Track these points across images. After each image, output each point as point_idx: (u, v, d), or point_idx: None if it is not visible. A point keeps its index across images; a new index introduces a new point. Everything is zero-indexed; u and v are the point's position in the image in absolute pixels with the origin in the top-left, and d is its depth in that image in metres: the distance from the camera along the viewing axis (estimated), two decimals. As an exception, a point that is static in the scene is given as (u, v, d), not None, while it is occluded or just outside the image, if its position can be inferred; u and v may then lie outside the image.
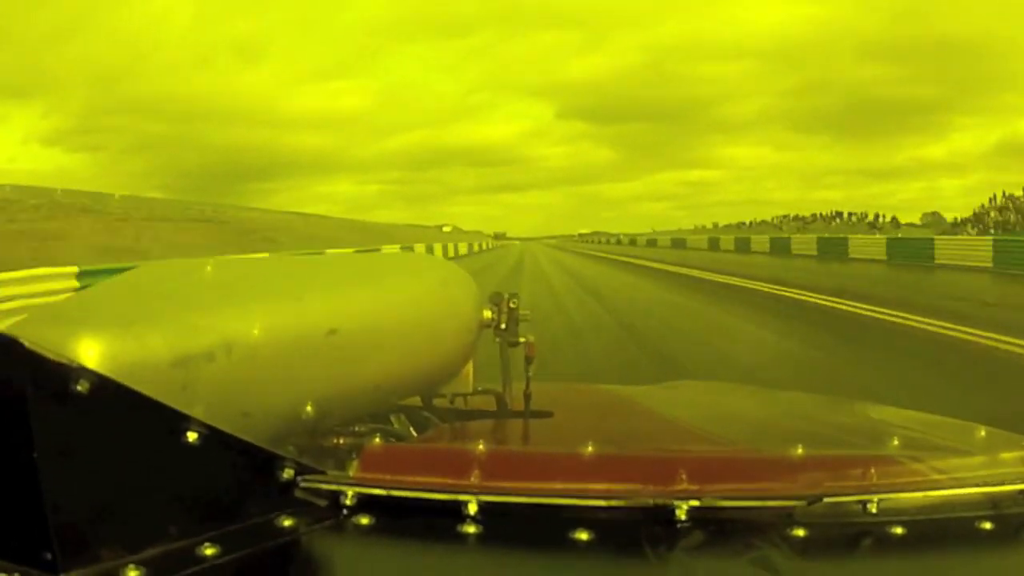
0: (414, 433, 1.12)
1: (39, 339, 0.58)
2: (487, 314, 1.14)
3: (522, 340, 1.20)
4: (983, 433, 1.02)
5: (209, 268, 0.98)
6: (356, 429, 1.02)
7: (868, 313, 9.18)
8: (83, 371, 0.57)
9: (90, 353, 0.70)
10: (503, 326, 1.18)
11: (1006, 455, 0.85)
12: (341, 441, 0.98)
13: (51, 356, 0.56)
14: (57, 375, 0.56)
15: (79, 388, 0.57)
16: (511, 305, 1.18)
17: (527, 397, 1.19)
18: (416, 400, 1.16)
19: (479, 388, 1.22)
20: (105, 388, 0.58)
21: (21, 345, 0.54)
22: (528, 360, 1.22)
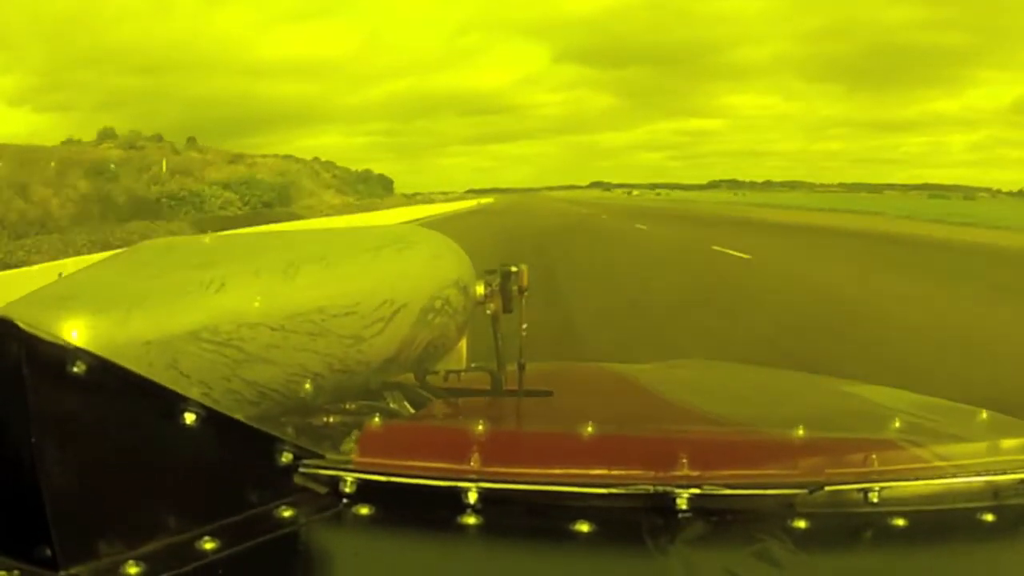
0: (410, 409, 1.11)
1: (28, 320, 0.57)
2: (480, 290, 1.12)
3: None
4: (984, 417, 1.02)
5: (202, 244, 0.96)
6: (348, 407, 1.01)
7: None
8: (80, 352, 0.57)
9: (75, 335, 0.69)
10: (497, 302, 1.16)
11: (1007, 442, 0.85)
12: (333, 419, 0.97)
13: (48, 337, 0.55)
14: (54, 356, 0.55)
15: (76, 369, 0.56)
16: (510, 272, 1.16)
17: (521, 368, 1.18)
18: (410, 377, 1.14)
19: (472, 365, 1.21)
20: (102, 369, 0.57)
21: (16, 326, 0.54)
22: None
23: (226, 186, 31.37)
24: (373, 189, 52.21)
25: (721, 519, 0.69)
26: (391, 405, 1.10)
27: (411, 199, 54.31)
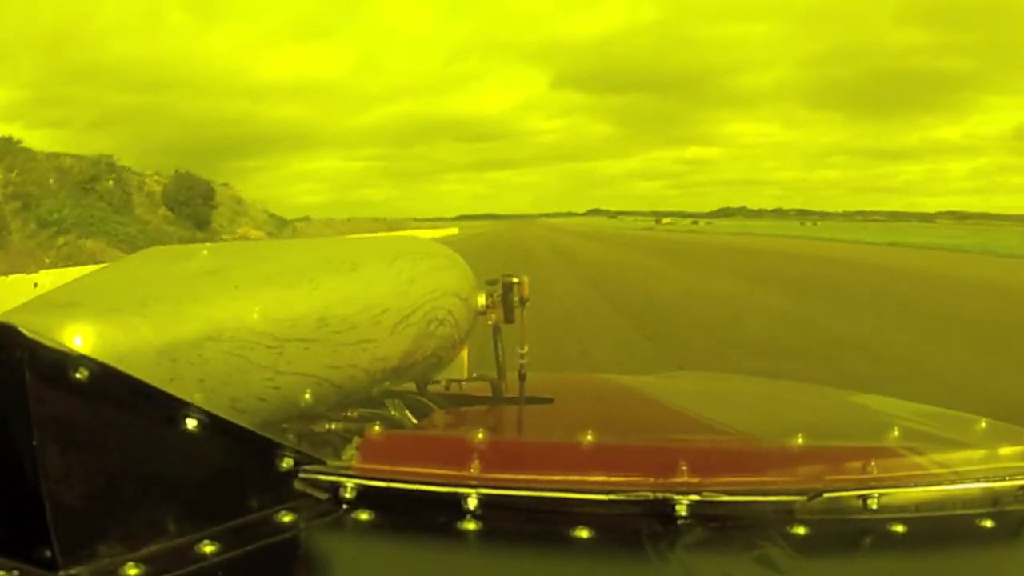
0: (411, 418, 1.11)
1: (31, 327, 0.57)
2: (481, 300, 1.13)
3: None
4: (983, 425, 1.03)
5: (204, 254, 0.97)
6: (349, 414, 1.01)
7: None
8: (83, 359, 0.57)
9: (77, 341, 0.69)
10: (498, 312, 1.17)
11: (1006, 449, 0.85)
12: (334, 427, 0.97)
13: (50, 343, 0.56)
14: (57, 363, 0.56)
15: (78, 376, 0.56)
16: (512, 283, 1.17)
17: (522, 378, 1.18)
18: (411, 386, 1.15)
19: (474, 375, 1.22)
20: (105, 376, 0.58)
21: (19, 332, 0.54)
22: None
23: None
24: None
25: (721, 525, 0.69)
26: (392, 414, 1.10)
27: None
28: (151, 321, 0.75)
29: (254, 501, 0.67)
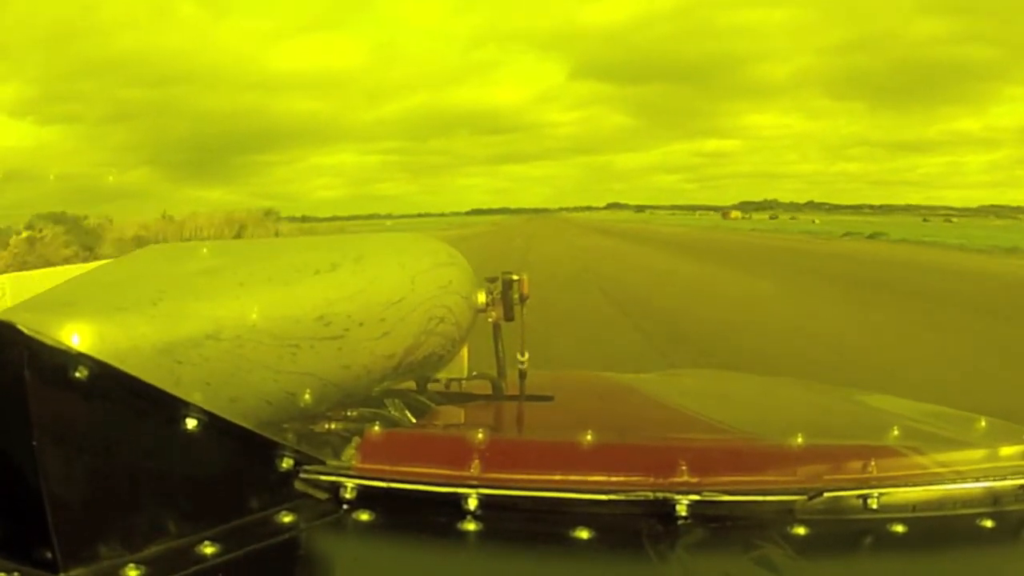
0: (410, 417, 1.11)
1: (31, 325, 0.57)
2: (481, 298, 1.13)
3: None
4: (984, 424, 1.02)
5: (205, 249, 0.97)
6: (348, 414, 1.01)
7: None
8: (83, 357, 0.57)
9: (77, 340, 0.69)
10: (498, 310, 1.17)
11: (1007, 448, 0.85)
12: (333, 426, 0.97)
13: (50, 341, 0.56)
14: (56, 361, 0.56)
15: (78, 374, 0.56)
16: (512, 280, 1.17)
17: (522, 376, 1.18)
18: (410, 385, 1.15)
19: (474, 373, 1.22)
20: (104, 374, 0.58)
21: (18, 330, 0.54)
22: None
23: None
24: None
25: (721, 525, 0.69)
26: (392, 413, 1.10)
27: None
28: (152, 319, 0.75)
29: (254, 501, 0.67)
